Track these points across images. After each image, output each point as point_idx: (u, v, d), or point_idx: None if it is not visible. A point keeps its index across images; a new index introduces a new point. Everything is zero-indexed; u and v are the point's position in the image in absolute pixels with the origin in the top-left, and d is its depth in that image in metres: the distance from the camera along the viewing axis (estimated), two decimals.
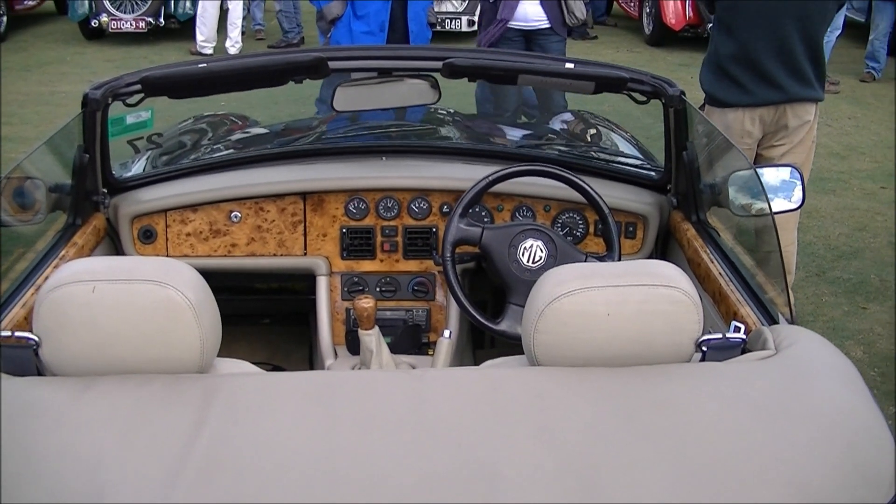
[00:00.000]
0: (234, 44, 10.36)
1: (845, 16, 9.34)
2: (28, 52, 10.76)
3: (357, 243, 2.82)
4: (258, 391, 1.49)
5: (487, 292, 3.06)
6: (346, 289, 2.83)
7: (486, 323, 2.46)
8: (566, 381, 1.49)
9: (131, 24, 10.81)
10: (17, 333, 1.53)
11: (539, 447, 1.33)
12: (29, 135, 7.07)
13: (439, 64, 2.45)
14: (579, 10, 5.72)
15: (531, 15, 5.68)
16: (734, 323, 1.75)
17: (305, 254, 2.82)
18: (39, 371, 1.53)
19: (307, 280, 2.87)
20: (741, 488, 1.27)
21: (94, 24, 10.78)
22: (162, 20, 10.94)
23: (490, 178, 2.52)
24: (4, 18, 11.33)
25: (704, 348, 1.58)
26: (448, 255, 2.48)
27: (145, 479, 1.26)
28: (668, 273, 1.56)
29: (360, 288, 2.83)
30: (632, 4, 12.32)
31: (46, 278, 2.01)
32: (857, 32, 10.44)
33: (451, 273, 2.48)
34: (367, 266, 2.85)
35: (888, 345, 4.20)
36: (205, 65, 2.43)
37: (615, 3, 13.16)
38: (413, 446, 1.33)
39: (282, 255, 2.81)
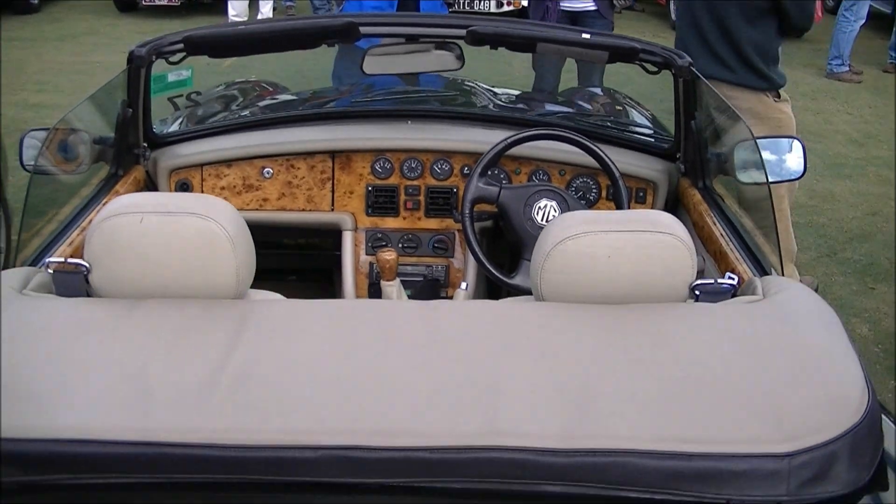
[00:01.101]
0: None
1: (870, 6, 9.35)
2: (62, 23, 10.93)
3: (381, 201, 2.96)
4: (288, 314, 1.62)
5: (503, 254, 3.19)
6: (369, 244, 2.97)
7: (500, 276, 2.59)
8: (568, 314, 1.61)
9: None
10: (70, 259, 1.67)
11: (539, 367, 1.44)
12: (62, 102, 7.22)
13: (463, 31, 2.58)
14: None
15: None
16: (728, 273, 1.87)
17: (332, 209, 2.96)
18: (89, 295, 1.66)
19: (333, 236, 3.01)
20: (722, 407, 1.37)
21: None
22: None
23: (508, 141, 2.66)
24: None
25: (697, 292, 1.69)
26: (467, 211, 2.62)
27: (187, 384, 1.37)
28: (666, 221, 1.68)
29: (384, 243, 2.96)
30: None
31: (90, 221, 2.16)
32: (881, 23, 10.44)
33: (470, 228, 2.62)
34: (390, 223, 2.98)
35: (893, 323, 4.31)
36: (244, 27, 2.58)
37: None
38: (424, 361, 1.45)
39: (310, 210, 2.95)
